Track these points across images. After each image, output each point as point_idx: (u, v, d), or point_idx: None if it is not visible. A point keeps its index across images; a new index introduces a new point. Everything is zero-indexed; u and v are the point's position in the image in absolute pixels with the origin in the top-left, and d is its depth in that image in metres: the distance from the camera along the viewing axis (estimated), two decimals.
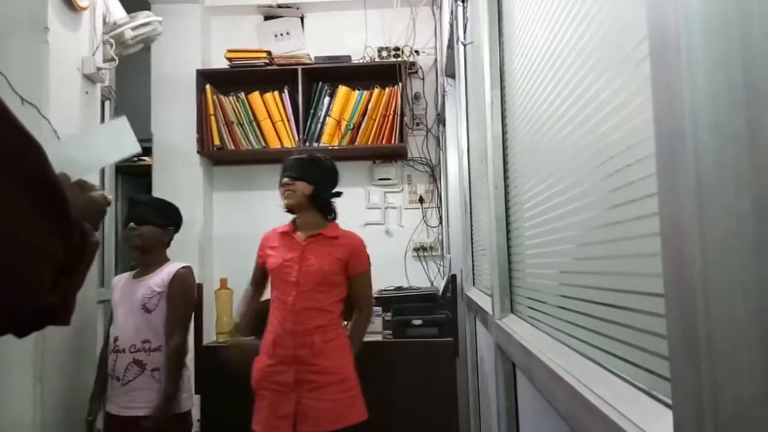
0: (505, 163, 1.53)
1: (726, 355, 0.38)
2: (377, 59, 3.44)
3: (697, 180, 0.41)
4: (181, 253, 2.52)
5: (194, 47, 3.44)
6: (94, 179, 2.23)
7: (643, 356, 0.63)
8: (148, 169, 3.42)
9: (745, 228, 0.37)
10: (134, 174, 3.82)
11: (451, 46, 2.86)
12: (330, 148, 3.25)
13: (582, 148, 0.85)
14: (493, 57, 1.57)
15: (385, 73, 3.34)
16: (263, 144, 3.32)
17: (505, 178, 1.53)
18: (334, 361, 2.10)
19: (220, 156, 3.44)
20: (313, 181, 2.19)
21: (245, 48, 3.44)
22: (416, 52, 3.50)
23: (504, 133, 1.53)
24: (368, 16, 3.48)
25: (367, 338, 2.34)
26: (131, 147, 1.10)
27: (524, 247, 1.33)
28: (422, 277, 3.44)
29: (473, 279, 2.61)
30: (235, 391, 2.29)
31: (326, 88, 3.35)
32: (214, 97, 3.35)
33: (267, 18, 3.58)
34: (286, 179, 2.19)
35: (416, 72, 3.53)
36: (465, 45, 2.32)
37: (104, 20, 2.61)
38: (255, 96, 3.35)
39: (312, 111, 3.34)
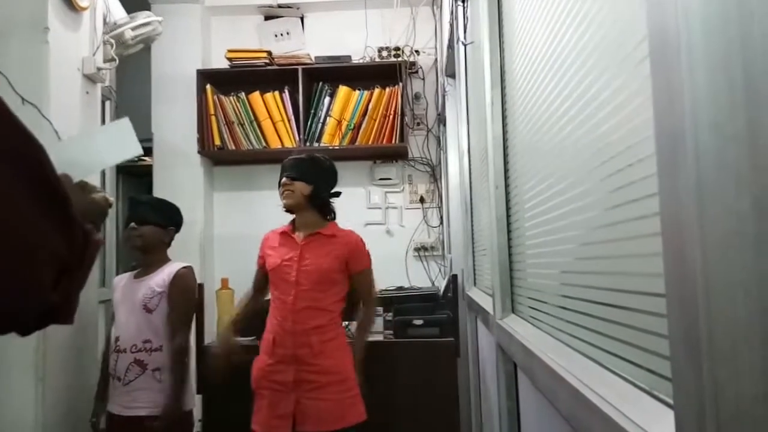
0: (505, 162, 1.54)
1: (727, 355, 0.38)
2: (377, 59, 3.43)
3: (697, 180, 0.41)
4: (181, 253, 2.52)
5: (194, 47, 3.44)
6: (94, 179, 2.23)
7: (644, 356, 0.63)
8: (148, 169, 3.43)
9: (746, 228, 0.37)
10: (135, 174, 3.83)
11: (451, 46, 2.86)
12: (330, 148, 3.25)
13: (582, 147, 0.85)
14: (494, 57, 1.57)
15: (385, 73, 3.34)
16: (264, 144, 3.32)
17: (506, 177, 1.53)
18: (334, 361, 2.10)
19: (220, 156, 3.44)
20: (312, 181, 2.19)
21: (245, 48, 3.44)
22: (416, 52, 3.50)
23: (504, 132, 1.53)
24: (368, 16, 3.48)
25: (368, 338, 2.34)
26: (133, 148, 1.09)
27: (525, 247, 1.33)
28: (423, 277, 3.44)
29: (474, 279, 2.61)
30: (237, 390, 2.29)
31: (327, 88, 3.35)
32: (215, 97, 3.34)
33: (267, 18, 3.58)
34: (284, 179, 2.19)
35: (416, 72, 3.53)
36: (465, 45, 2.32)
37: (104, 20, 2.62)
38: (255, 96, 3.35)
39: (312, 111, 3.34)
